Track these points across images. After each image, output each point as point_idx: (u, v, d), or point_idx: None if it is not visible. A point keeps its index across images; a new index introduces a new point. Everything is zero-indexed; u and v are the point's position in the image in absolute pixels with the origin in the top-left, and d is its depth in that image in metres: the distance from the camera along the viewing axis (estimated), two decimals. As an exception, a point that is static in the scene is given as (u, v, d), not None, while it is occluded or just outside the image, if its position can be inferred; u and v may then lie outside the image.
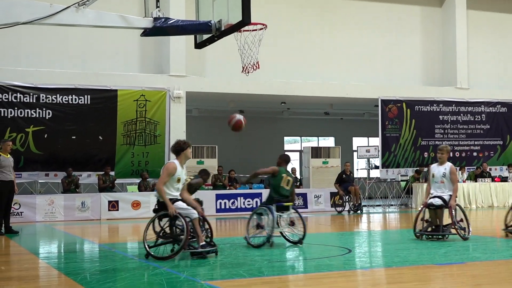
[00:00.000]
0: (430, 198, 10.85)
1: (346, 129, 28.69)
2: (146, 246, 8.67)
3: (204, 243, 8.67)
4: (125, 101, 18.49)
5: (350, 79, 21.57)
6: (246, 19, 7.97)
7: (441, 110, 22.19)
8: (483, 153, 22.73)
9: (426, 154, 21.64)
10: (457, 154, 22.46)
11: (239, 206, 18.29)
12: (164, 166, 8.85)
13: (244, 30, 11.03)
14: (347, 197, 19.17)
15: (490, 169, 22.16)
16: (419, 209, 11.25)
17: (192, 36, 9.51)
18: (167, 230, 8.92)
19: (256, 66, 11.45)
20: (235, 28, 8.33)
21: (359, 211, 18.91)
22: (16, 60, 17.94)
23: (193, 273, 7.51)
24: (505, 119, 23.05)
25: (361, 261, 8.79)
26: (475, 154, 22.68)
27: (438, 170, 11.11)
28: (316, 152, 21.63)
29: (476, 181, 20.86)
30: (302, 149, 25.97)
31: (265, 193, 15.89)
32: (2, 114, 17.30)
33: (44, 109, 17.68)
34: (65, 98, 17.90)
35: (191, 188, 10.08)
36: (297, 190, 19.90)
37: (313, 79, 20.93)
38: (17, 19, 7.93)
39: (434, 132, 22.09)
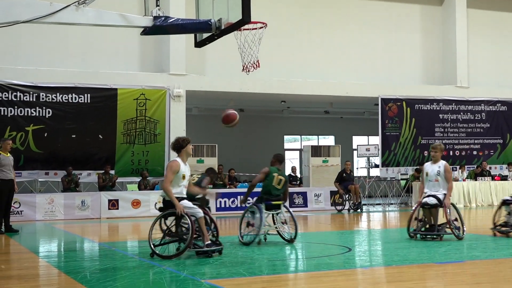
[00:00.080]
0: (424, 197, 10.68)
1: (346, 128, 28.69)
2: (152, 245, 8.67)
3: (209, 242, 8.68)
4: (125, 100, 18.49)
5: (350, 77, 21.57)
6: (246, 18, 7.96)
7: (441, 108, 22.20)
8: (483, 151, 22.74)
9: (426, 153, 21.64)
10: (457, 152, 22.46)
11: (239, 205, 18.29)
12: (167, 165, 8.87)
13: (244, 29, 11.02)
14: (347, 195, 19.17)
15: (490, 168, 22.16)
16: (413, 208, 11.09)
17: (192, 35, 9.49)
18: (173, 229, 8.94)
19: (256, 65, 11.44)
20: (235, 27, 8.32)
21: (359, 210, 18.92)
22: (16, 59, 17.93)
23: (193, 272, 7.51)
24: (505, 118, 23.06)
25: (361, 259, 8.80)
26: (475, 152, 22.68)
27: (432, 168, 10.85)
28: (316, 150, 21.63)
29: (476, 180, 20.86)
30: (302, 147, 25.95)
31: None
32: (2, 113, 17.30)
33: (44, 107, 17.68)
34: (65, 96, 17.90)
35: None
36: (297, 189, 20.01)
37: (313, 77, 20.93)
38: (17, 17, 7.92)
39: (434, 131, 22.09)
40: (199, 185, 10.40)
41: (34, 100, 17.60)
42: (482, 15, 23.56)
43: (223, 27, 8.35)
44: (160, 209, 9.02)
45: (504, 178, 21.62)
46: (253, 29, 11.48)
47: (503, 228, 11.03)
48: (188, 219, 8.53)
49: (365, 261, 8.72)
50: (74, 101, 17.99)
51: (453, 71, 22.60)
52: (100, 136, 18.26)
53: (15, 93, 17.45)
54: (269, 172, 10.44)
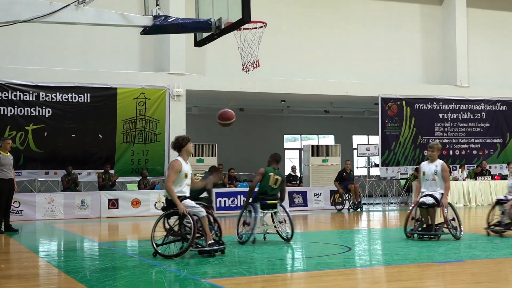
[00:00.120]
0: (422, 196, 10.58)
1: (346, 127, 28.69)
2: (154, 245, 8.67)
3: (212, 241, 8.68)
4: (125, 99, 18.49)
5: (350, 77, 21.57)
6: (246, 17, 7.96)
7: (441, 108, 22.20)
8: (483, 151, 22.74)
9: (426, 152, 21.56)
10: (457, 152, 22.46)
11: (239, 204, 18.27)
12: (169, 164, 8.86)
13: (244, 28, 11.02)
14: (347, 195, 19.17)
15: (490, 167, 22.17)
16: (410, 207, 10.97)
17: (192, 34, 9.50)
18: (176, 228, 8.94)
19: (256, 64, 11.44)
20: (235, 26, 8.32)
21: (358, 209, 18.92)
22: (16, 58, 17.93)
23: (193, 271, 7.52)
24: (505, 117, 23.05)
25: (361, 259, 8.80)
26: (475, 152, 22.68)
27: (429, 167, 10.72)
28: (316, 150, 21.63)
29: (476, 179, 20.86)
30: (302, 147, 25.96)
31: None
32: (2, 113, 17.29)
33: (44, 107, 17.68)
34: (65, 96, 17.89)
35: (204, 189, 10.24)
36: (297, 189, 20.00)
37: (313, 77, 20.93)
38: (17, 17, 7.92)
39: (434, 130, 22.09)
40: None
41: (34, 99, 17.60)
42: (482, 14, 23.55)
43: (223, 27, 8.35)
44: (163, 209, 9.03)
45: (504, 177, 21.59)
46: (253, 28, 11.48)
47: (497, 228, 11.00)
48: (190, 218, 8.53)
49: (365, 260, 8.72)
50: (74, 100, 17.99)
51: (453, 71, 22.60)
52: (100, 135, 18.26)
53: (15, 93, 17.45)
54: (265, 173, 10.48)
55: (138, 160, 18.69)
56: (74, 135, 17.96)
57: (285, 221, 10.56)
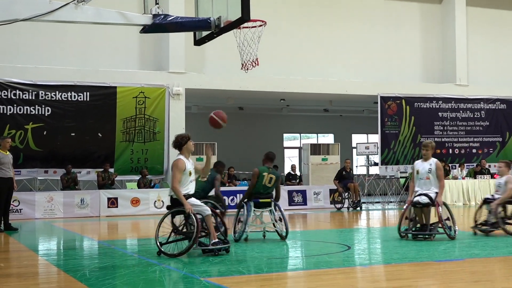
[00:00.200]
0: (416, 196, 10.43)
1: (346, 126, 28.69)
2: (158, 244, 8.67)
3: (216, 240, 8.67)
4: (124, 98, 18.48)
5: (349, 76, 21.57)
6: (245, 16, 7.97)
7: (441, 107, 22.20)
8: (483, 150, 22.74)
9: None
10: (456, 151, 22.47)
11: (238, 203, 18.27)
12: (172, 164, 8.82)
13: (243, 27, 11.03)
14: (346, 194, 19.17)
15: (490, 166, 22.17)
16: (404, 207, 10.82)
17: (192, 33, 9.50)
18: (182, 228, 8.95)
19: (255, 63, 11.45)
20: (234, 25, 8.32)
21: (358, 208, 18.92)
22: (15, 57, 17.91)
23: (192, 270, 7.52)
24: (504, 116, 23.05)
25: (360, 258, 8.80)
26: (474, 151, 22.69)
27: (423, 166, 10.62)
28: (315, 149, 21.64)
29: (475, 178, 20.87)
30: (302, 146, 25.96)
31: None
32: (1, 111, 17.29)
33: (43, 106, 17.67)
34: (64, 95, 17.89)
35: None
36: (296, 187, 20.01)
37: (312, 76, 20.92)
38: (16, 15, 7.93)
39: (434, 129, 22.09)
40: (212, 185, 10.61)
41: (34, 98, 17.59)
42: (481, 13, 23.54)
43: (222, 25, 8.36)
44: (168, 207, 9.03)
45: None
46: (252, 27, 11.49)
47: (483, 227, 10.96)
48: (194, 217, 8.52)
49: (365, 259, 8.73)
50: (73, 99, 17.98)
51: (453, 69, 22.60)
52: (99, 134, 18.25)
53: (15, 91, 17.44)
54: (259, 173, 10.49)
55: (138, 159, 18.68)
56: (73, 134, 17.96)
57: (280, 220, 10.59)
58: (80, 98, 18.03)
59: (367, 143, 24.37)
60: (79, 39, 18.51)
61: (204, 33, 9.00)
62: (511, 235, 10.63)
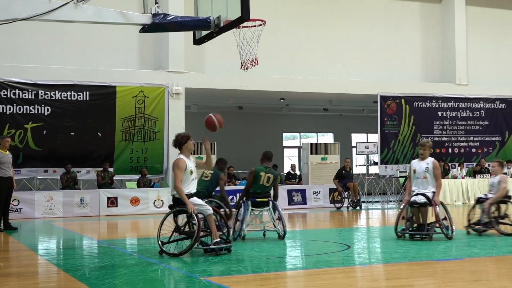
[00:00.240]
0: (413, 195, 10.37)
1: (345, 125, 28.69)
2: (160, 243, 8.67)
3: (217, 239, 8.67)
4: (124, 98, 18.48)
5: (349, 75, 21.57)
6: (245, 15, 7.96)
7: (440, 106, 22.21)
8: (482, 149, 22.75)
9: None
10: (456, 150, 22.47)
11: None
12: (174, 163, 8.82)
13: (243, 26, 11.00)
14: (346, 193, 19.18)
15: (489, 165, 22.14)
16: (401, 207, 10.76)
17: (191, 32, 9.50)
18: (185, 227, 8.95)
19: (255, 63, 11.43)
20: (234, 24, 8.32)
21: (357, 207, 18.92)
22: (15, 57, 17.91)
23: (192, 269, 7.52)
24: (504, 115, 23.06)
25: (360, 257, 8.80)
26: (474, 150, 22.70)
27: (420, 165, 10.48)
28: (315, 148, 21.64)
29: (475, 177, 20.87)
30: (301, 145, 25.96)
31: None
32: (1, 111, 17.29)
33: (42, 105, 17.67)
34: (64, 94, 17.89)
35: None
36: (296, 187, 20.01)
37: (312, 75, 20.92)
38: (16, 15, 7.92)
39: (433, 128, 22.10)
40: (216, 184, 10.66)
41: (33, 97, 17.59)
42: (481, 12, 23.55)
43: (222, 25, 8.36)
44: (170, 207, 9.04)
45: (503, 175, 21.60)
46: (252, 26, 11.47)
47: (477, 227, 10.95)
48: (195, 217, 8.52)
49: (364, 258, 8.72)
50: (73, 98, 17.98)
51: (452, 69, 22.61)
52: (99, 133, 18.25)
53: (14, 91, 17.44)
54: (256, 173, 10.50)
55: (137, 158, 18.68)
56: (73, 133, 17.96)
57: (279, 219, 10.60)
58: (80, 97, 18.03)
59: (367, 142, 24.38)
60: (78, 39, 18.51)
61: (204, 33, 9.00)
62: (504, 235, 10.62)
